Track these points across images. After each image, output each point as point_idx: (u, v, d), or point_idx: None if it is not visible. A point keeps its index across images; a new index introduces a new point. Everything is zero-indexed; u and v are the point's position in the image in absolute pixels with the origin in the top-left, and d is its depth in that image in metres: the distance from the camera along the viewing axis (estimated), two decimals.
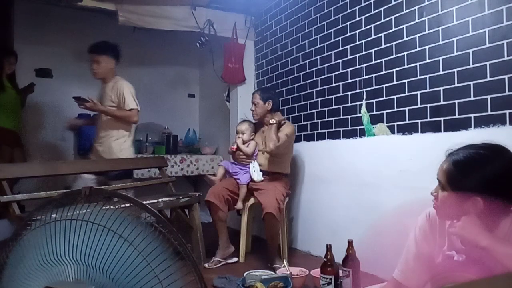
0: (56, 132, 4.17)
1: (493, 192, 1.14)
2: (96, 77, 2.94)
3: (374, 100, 2.60)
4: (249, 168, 2.94)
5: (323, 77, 3.04)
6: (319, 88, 3.08)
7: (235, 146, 2.99)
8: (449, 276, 1.20)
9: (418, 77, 2.30)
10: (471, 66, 2.03)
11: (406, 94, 2.37)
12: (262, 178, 2.90)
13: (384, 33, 2.52)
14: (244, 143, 3.01)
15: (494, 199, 1.14)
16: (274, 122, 2.83)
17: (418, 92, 2.30)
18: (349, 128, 2.79)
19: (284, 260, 2.57)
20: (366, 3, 2.65)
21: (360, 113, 2.70)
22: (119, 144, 2.94)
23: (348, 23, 2.81)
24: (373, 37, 2.60)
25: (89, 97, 2.82)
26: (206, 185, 4.56)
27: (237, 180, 2.94)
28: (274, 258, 2.75)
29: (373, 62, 2.60)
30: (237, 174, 2.95)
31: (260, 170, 2.94)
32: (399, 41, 2.42)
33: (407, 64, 2.37)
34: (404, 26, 2.39)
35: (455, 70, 2.11)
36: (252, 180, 2.92)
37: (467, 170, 1.19)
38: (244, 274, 2.30)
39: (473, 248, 1.15)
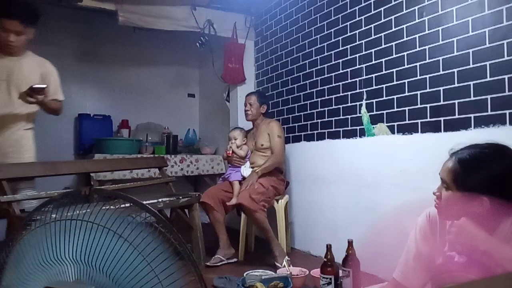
0: (56, 132, 4.18)
1: (500, 192, 1.14)
2: (11, 51, 2.25)
3: (374, 100, 2.60)
4: (240, 169, 3.06)
5: (323, 77, 3.04)
6: (319, 88, 3.08)
7: (230, 151, 3.10)
8: (449, 277, 1.20)
9: (418, 77, 2.30)
10: (471, 66, 2.03)
11: (406, 94, 2.37)
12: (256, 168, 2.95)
13: (384, 33, 2.52)
14: (237, 147, 3.12)
15: (500, 200, 1.13)
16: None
17: (418, 92, 2.30)
18: (349, 128, 2.79)
19: (284, 260, 2.57)
20: (366, 3, 2.65)
21: (360, 113, 2.70)
22: (31, 135, 2.45)
23: (348, 23, 2.81)
24: (373, 37, 2.60)
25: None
26: (206, 185, 4.57)
27: (229, 180, 3.02)
28: (274, 254, 2.73)
29: (373, 62, 2.60)
30: (229, 175, 3.05)
31: (251, 167, 3.03)
32: (399, 41, 2.42)
33: (407, 64, 2.37)
34: (404, 26, 2.39)
35: (455, 70, 2.11)
36: (243, 178, 2.99)
37: (474, 169, 1.18)
38: (244, 274, 2.30)
39: (473, 250, 1.15)
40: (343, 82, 2.85)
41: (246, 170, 3.03)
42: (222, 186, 3.01)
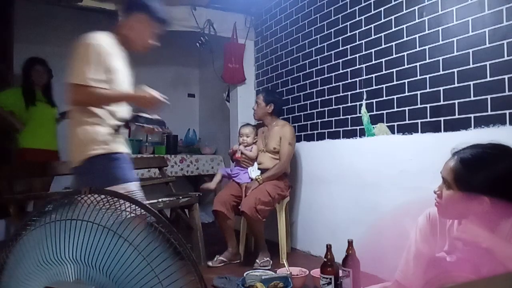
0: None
1: (501, 192, 1.14)
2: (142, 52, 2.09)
3: (374, 100, 2.60)
4: (247, 170, 3.00)
5: (323, 77, 3.04)
6: (319, 88, 3.08)
7: (239, 154, 3.01)
8: (449, 276, 1.20)
9: (418, 77, 2.30)
10: (471, 66, 2.03)
11: (406, 94, 2.37)
12: (260, 176, 2.91)
13: (384, 33, 2.52)
14: (247, 145, 3.05)
15: (501, 200, 1.13)
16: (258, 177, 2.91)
17: (418, 92, 2.30)
18: (349, 128, 2.79)
19: (284, 260, 2.58)
20: (366, 3, 2.65)
21: (360, 113, 2.70)
22: None
23: (348, 23, 2.81)
24: (373, 37, 2.60)
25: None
26: None
27: (237, 181, 2.95)
28: (258, 253, 2.79)
29: (373, 62, 2.60)
30: (237, 176, 2.98)
31: (259, 169, 2.99)
32: (399, 41, 2.42)
33: (407, 64, 2.37)
34: (404, 26, 2.39)
35: (455, 70, 2.11)
36: (251, 180, 2.94)
37: (476, 169, 1.18)
38: (244, 274, 2.30)
39: (474, 249, 1.15)
40: (343, 82, 2.84)
41: (253, 172, 2.97)
42: (231, 190, 2.93)
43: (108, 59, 1.70)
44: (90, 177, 1.65)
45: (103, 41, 1.72)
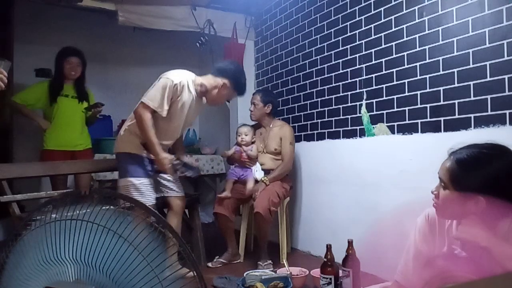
0: None
1: (496, 192, 1.14)
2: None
3: (374, 100, 2.60)
4: (251, 169, 2.97)
5: (323, 77, 3.04)
6: (319, 88, 3.08)
7: (245, 155, 2.96)
8: (449, 277, 1.20)
9: (418, 77, 2.30)
10: (471, 66, 2.03)
11: (406, 94, 2.37)
12: (265, 176, 2.90)
13: (384, 33, 2.52)
14: (247, 144, 3.02)
15: (496, 199, 1.13)
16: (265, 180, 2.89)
17: (418, 92, 2.30)
18: (349, 128, 2.79)
19: (284, 260, 2.58)
20: (366, 3, 2.65)
21: (360, 113, 2.70)
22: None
23: (348, 23, 2.81)
24: (373, 37, 2.60)
25: None
26: (206, 185, 4.56)
27: (245, 178, 2.91)
28: (261, 255, 2.79)
29: (373, 62, 2.60)
30: (244, 177, 2.95)
31: (263, 169, 2.97)
32: (399, 41, 2.42)
33: (407, 64, 2.37)
34: (404, 26, 2.39)
35: (455, 70, 2.11)
36: (256, 181, 2.92)
37: (471, 169, 1.18)
38: (244, 274, 2.31)
39: (473, 248, 1.15)
40: (343, 82, 2.84)
41: (258, 173, 2.93)
42: (233, 193, 2.89)
43: (177, 96, 2.25)
44: (118, 167, 2.36)
45: (184, 81, 2.27)
